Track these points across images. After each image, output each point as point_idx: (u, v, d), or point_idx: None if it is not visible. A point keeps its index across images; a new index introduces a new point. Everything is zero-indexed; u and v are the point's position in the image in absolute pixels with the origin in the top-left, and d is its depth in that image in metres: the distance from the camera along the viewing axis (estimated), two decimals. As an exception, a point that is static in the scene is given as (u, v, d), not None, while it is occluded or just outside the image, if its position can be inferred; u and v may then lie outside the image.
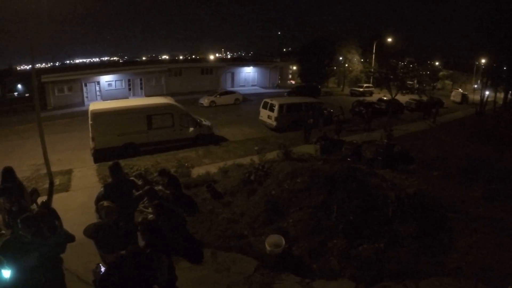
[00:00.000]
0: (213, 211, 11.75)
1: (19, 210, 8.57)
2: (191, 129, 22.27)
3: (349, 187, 11.07)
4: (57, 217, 9.02)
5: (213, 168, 16.38)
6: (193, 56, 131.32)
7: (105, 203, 6.65)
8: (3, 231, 11.78)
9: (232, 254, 9.46)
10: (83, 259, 8.81)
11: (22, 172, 14.46)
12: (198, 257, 9.36)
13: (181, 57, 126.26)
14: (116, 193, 8.36)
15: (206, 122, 23.55)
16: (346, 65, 62.65)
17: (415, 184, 14.01)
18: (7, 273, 5.60)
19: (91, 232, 6.30)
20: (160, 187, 12.95)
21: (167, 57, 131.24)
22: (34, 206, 9.90)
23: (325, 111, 28.04)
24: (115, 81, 49.98)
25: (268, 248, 8.87)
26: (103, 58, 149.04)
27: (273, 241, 9.11)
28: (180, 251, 9.24)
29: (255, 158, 15.44)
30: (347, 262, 8.85)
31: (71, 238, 8.02)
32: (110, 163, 9.43)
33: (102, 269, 6.11)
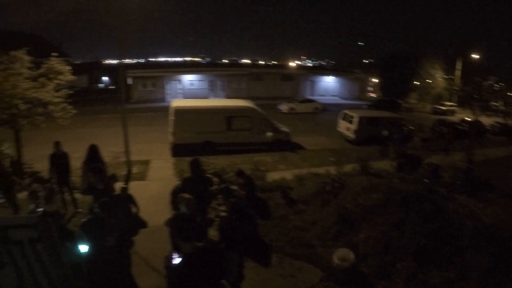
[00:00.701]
0: (285, 217, 11.87)
1: (104, 190, 9.01)
2: (269, 133, 22.51)
3: (424, 209, 10.81)
4: (134, 203, 9.60)
5: (288, 175, 16.50)
6: (274, 62, 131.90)
7: (186, 195, 6.93)
8: (80, 209, 12.62)
9: (299, 262, 9.54)
10: (152, 246, 9.36)
11: (103, 158, 15.21)
12: (266, 260, 9.53)
13: (261, 62, 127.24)
14: (193, 187, 8.67)
15: (284, 128, 23.74)
16: (429, 81, 60.23)
17: (494, 214, 13.50)
18: (84, 248, 6.01)
19: (172, 221, 6.59)
20: (235, 187, 13.27)
21: (247, 61, 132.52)
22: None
23: (404, 128, 27.43)
24: (197, 81, 51.25)
25: (335, 261, 8.83)
26: (185, 58, 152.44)
27: (341, 255, 9.03)
28: (249, 252, 9.46)
29: (331, 169, 15.43)
30: (413, 287, 8.71)
31: (143, 224, 8.46)
32: (190, 158, 9.85)
33: (175, 257, 6.37)
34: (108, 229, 6.40)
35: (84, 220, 7.14)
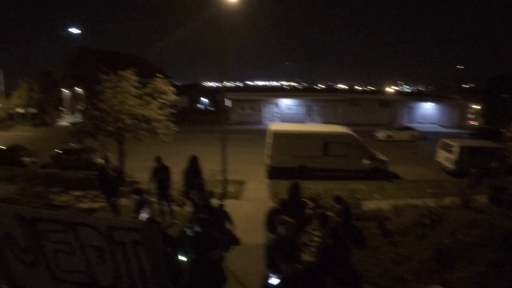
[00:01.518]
0: (379, 248, 11.52)
1: (204, 205, 9.25)
2: (366, 161, 22.16)
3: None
4: (230, 220, 9.80)
5: (384, 205, 16.06)
6: (370, 88, 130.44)
7: (287, 218, 6.96)
8: (176, 221, 13.15)
9: (391, 296, 9.16)
10: (244, 263, 9.54)
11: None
12: (356, 290, 9.25)
13: (357, 88, 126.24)
14: (290, 210, 8.68)
15: (381, 156, 23.26)
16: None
17: None
18: (184, 258, 6.19)
19: (276, 242, 6.63)
20: (331, 213, 13.13)
21: (343, 86, 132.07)
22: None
23: (507, 159, 25.82)
24: (295, 105, 51.75)
25: (428, 299, 8.48)
26: (282, 82, 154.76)
27: None
28: (341, 279, 9.29)
29: (429, 201, 14.86)
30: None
31: (237, 241, 8.59)
32: (285, 181, 9.95)
33: (273, 278, 6.38)
34: (212, 243, 6.56)
35: (190, 232, 7.39)
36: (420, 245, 11.23)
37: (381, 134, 39.90)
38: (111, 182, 14.15)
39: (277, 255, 6.24)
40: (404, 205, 15.87)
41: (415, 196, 17.96)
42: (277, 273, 6.35)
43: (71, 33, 61.15)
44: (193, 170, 14.29)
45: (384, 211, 15.09)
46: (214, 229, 7.39)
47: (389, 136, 39.53)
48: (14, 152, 29.82)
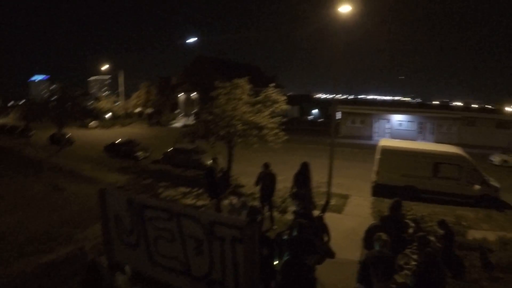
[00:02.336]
0: (477, 281, 11.16)
1: (304, 214, 9.54)
2: (477, 186, 21.17)
3: None
4: (327, 232, 10.02)
5: (491, 236, 15.28)
6: (489, 106, 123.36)
7: (384, 236, 7.03)
8: (275, 227, 13.63)
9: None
10: (335, 276, 9.64)
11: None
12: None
13: (474, 106, 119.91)
14: (390, 229, 8.71)
15: (494, 183, 22.08)
16: None
17: None
18: (279, 260, 6.55)
19: (373, 258, 6.73)
20: (432, 238, 12.90)
21: (459, 104, 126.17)
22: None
23: None
24: (406, 121, 50.68)
25: None
26: (394, 97, 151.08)
27: None
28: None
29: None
30: None
31: (332, 254, 8.77)
32: (390, 200, 9.91)
33: None
34: (309, 248, 6.78)
35: (287, 236, 7.73)
36: (524, 284, 10.75)
37: (496, 158, 37.63)
38: (216, 183, 15.00)
39: (372, 272, 6.34)
40: (513, 239, 15.14)
41: (526, 230, 16.84)
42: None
43: (189, 43, 65.05)
44: (302, 177, 14.71)
45: (489, 242, 14.45)
46: (312, 235, 7.63)
47: (505, 161, 37.15)
48: (129, 146, 32.10)
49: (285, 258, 6.48)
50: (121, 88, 66.86)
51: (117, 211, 6.63)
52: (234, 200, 11.50)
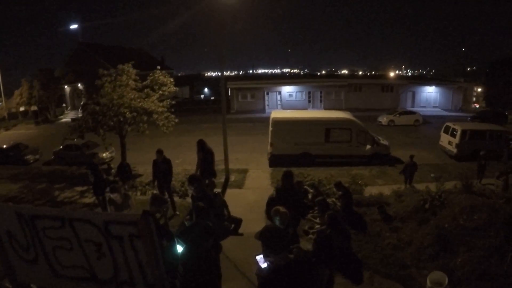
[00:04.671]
0: (379, 234, 11.50)
1: (200, 196, 9.29)
2: (368, 146, 22.18)
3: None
4: (226, 208, 9.98)
5: (386, 190, 15.97)
6: (373, 73, 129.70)
7: (281, 208, 6.94)
8: (177, 212, 13.39)
9: (390, 282, 9.16)
10: (244, 252, 9.43)
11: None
12: (357, 277, 9.25)
13: (360, 73, 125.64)
14: (287, 198, 8.71)
15: (383, 141, 23.20)
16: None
17: None
18: (180, 249, 6.29)
19: (262, 234, 6.64)
20: (333, 199, 13.21)
21: (346, 72, 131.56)
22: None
23: (511, 142, 25.41)
24: (296, 92, 52.06)
25: (429, 284, 8.44)
26: (284, 70, 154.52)
27: (435, 278, 8.58)
28: (340, 266, 9.30)
29: (431, 186, 14.82)
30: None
31: (238, 221, 8.77)
32: (284, 169, 9.94)
33: (263, 264, 6.41)
34: (206, 233, 6.62)
35: (188, 222, 7.48)
36: (421, 230, 11.18)
37: (383, 119, 39.73)
38: (100, 180, 14.42)
39: (268, 246, 6.26)
40: (405, 190, 15.85)
41: (417, 181, 17.82)
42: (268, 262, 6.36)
43: (70, 29, 61.95)
44: (203, 151, 14.45)
45: (385, 196, 15.05)
46: (209, 218, 7.43)
47: (391, 121, 39.35)
48: (16, 150, 29.95)
49: (184, 247, 6.30)
50: (1, 87, 62.49)
51: (7, 226, 5.96)
52: (115, 195, 10.93)
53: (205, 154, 14.26)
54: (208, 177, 13.34)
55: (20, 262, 6.09)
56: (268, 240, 5.70)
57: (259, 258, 6.42)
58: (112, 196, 10.95)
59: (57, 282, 5.93)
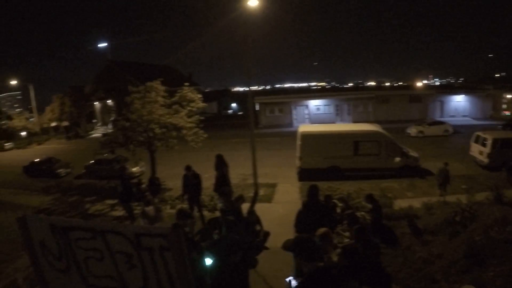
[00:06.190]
0: (409, 248, 11.41)
1: (229, 211, 9.42)
2: (397, 159, 21.95)
3: None
4: (259, 224, 10.01)
5: (416, 203, 15.88)
6: (400, 83, 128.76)
7: (321, 231, 7.03)
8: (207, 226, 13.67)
9: (420, 297, 9.00)
10: (273, 266, 9.61)
11: (231, 180, 16.11)
12: (385, 291, 9.21)
13: (387, 84, 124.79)
14: (314, 212, 8.77)
15: (412, 153, 23.00)
16: None
17: None
18: (209, 262, 6.40)
19: (292, 244, 6.71)
20: (362, 213, 13.16)
21: (373, 84, 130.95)
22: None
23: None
24: (323, 105, 52.17)
25: (460, 299, 8.33)
26: (310, 84, 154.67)
27: None
28: (369, 281, 9.25)
29: (462, 198, 14.63)
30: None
31: (267, 234, 8.83)
32: (312, 183, 10.00)
33: (293, 285, 6.46)
34: (234, 246, 6.71)
35: (217, 236, 7.60)
36: (452, 243, 11.04)
37: (412, 130, 39.25)
38: (128, 190, 14.85)
39: (300, 254, 6.33)
40: (436, 203, 15.70)
41: (448, 192, 17.39)
42: (299, 275, 6.40)
43: (99, 48, 63.40)
44: (219, 167, 14.79)
45: (415, 209, 14.93)
46: (238, 232, 7.53)
47: (420, 132, 38.81)
48: (49, 164, 30.71)
49: (212, 259, 6.42)
50: (33, 103, 64.14)
51: (41, 237, 6.16)
52: (149, 208, 11.24)
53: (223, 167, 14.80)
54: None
55: (52, 271, 6.28)
56: (301, 250, 5.74)
57: (289, 279, 6.48)
58: (146, 209, 11.22)
59: None
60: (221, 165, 15.03)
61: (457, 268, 9.80)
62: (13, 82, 67.70)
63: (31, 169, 31.47)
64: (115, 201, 19.33)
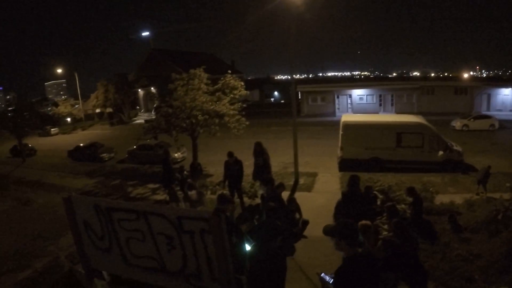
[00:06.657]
0: (448, 244, 11.24)
1: (270, 197, 9.54)
2: (441, 152, 21.52)
3: None
4: (299, 212, 10.15)
5: (457, 199, 15.56)
6: (446, 74, 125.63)
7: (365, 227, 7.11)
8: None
9: (456, 296, 8.87)
10: (309, 254, 9.80)
11: (272, 167, 16.22)
12: (421, 287, 9.16)
13: (432, 75, 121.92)
14: (354, 202, 8.82)
15: (456, 147, 22.48)
16: None
17: None
18: (248, 246, 6.62)
19: (334, 227, 6.75)
20: (402, 206, 13.06)
21: (417, 74, 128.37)
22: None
23: None
24: (366, 95, 51.54)
25: (496, 301, 8.21)
26: (354, 73, 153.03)
27: None
28: (405, 275, 9.22)
29: (506, 196, 14.32)
30: None
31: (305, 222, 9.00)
32: (352, 174, 10.05)
33: (328, 280, 6.52)
34: (274, 232, 6.81)
35: (256, 222, 7.75)
36: (492, 242, 10.89)
37: (457, 123, 38.40)
38: (170, 172, 15.17)
39: (342, 238, 6.39)
40: (479, 200, 15.44)
41: (491, 190, 17.08)
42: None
43: (142, 37, 64.61)
44: (258, 155, 15.21)
45: (457, 205, 14.70)
46: (279, 218, 7.64)
47: (465, 125, 37.96)
48: (93, 149, 31.69)
49: (252, 244, 6.53)
50: (78, 90, 65.94)
51: (85, 217, 6.48)
52: (192, 192, 11.51)
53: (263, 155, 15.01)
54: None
55: (94, 250, 6.57)
56: (344, 234, 5.79)
57: (323, 275, 6.55)
58: (189, 193, 11.51)
59: (128, 271, 6.36)
60: (260, 153, 15.16)
61: (496, 269, 9.70)
62: (59, 70, 69.99)
63: (76, 154, 32.68)
64: (157, 185, 19.82)
